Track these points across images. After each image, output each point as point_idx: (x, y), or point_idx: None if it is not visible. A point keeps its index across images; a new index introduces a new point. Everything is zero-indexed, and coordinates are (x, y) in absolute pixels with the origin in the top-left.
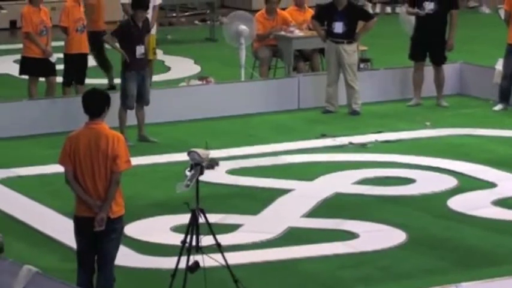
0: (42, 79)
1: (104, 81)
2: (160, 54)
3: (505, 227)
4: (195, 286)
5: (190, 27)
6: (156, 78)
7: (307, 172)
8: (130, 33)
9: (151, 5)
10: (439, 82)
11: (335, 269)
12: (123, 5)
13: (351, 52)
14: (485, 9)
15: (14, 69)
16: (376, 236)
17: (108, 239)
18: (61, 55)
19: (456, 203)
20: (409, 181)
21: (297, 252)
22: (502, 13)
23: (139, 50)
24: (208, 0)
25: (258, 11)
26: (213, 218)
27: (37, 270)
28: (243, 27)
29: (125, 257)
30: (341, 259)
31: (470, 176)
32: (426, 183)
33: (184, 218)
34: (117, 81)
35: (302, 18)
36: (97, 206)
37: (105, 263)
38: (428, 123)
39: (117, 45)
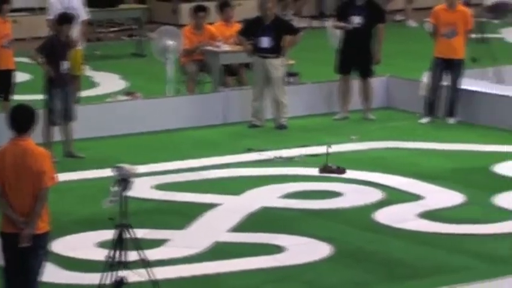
0: None
1: (32, 97)
2: (88, 70)
3: (430, 240)
4: None
5: (118, 42)
6: (83, 93)
7: (234, 186)
8: (55, 49)
9: (78, 20)
10: (366, 95)
11: (261, 283)
12: (48, 20)
13: (277, 66)
14: (412, 23)
15: None
16: (303, 250)
17: (34, 255)
18: None
19: (382, 216)
20: (335, 194)
21: (223, 267)
22: (428, 26)
23: (64, 65)
24: (135, 16)
25: (185, 26)
26: (140, 233)
27: None
28: (169, 42)
29: (51, 273)
30: (267, 273)
31: (396, 189)
32: (352, 197)
33: (110, 234)
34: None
35: (229, 32)
36: (22, 222)
37: (30, 279)
38: (354, 137)
39: (42, 60)
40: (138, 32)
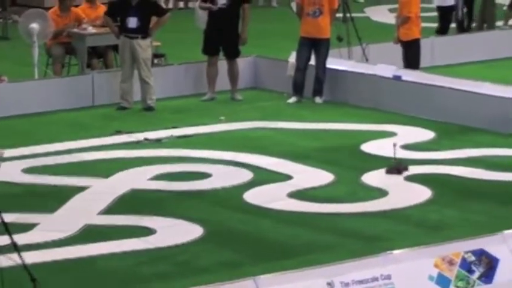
0: None
1: None
2: None
3: (300, 219)
4: None
5: None
6: None
7: (103, 169)
8: None
9: None
10: (232, 76)
11: (133, 266)
12: None
13: (145, 47)
14: (274, 3)
15: None
16: (174, 231)
17: None
18: None
19: (252, 196)
20: (205, 175)
21: (94, 250)
22: (294, 6)
23: None
24: None
25: (51, 8)
26: (9, 217)
27: None
28: (34, 25)
29: None
30: (139, 255)
31: (265, 169)
32: (222, 177)
33: None
34: None
35: (94, 14)
36: None
37: None
38: (223, 118)
39: None
40: (2, 15)
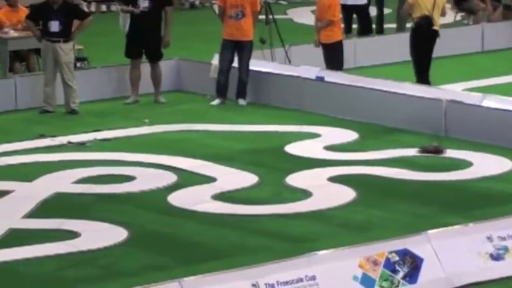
0: None
1: None
2: None
3: (225, 221)
4: None
5: None
6: None
7: (27, 173)
8: None
9: None
10: (155, 79)
11: (56, 270)
12: None
13: (67, 51)
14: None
15: None
16: (97, 235)
17: None
18: None
19: (177, 199)
20: (129, 178)
21: (18, 254)
22: (216, 8)
23: None
24: None
25: None
26: None
27: None
28: None
29: None
30: (62, 259)
31: (190, 172)
32: (146, 180)
33: None
34: None
35: (16, 18)
36: None
37: None
38: (147, 120)
39: None
40: None
